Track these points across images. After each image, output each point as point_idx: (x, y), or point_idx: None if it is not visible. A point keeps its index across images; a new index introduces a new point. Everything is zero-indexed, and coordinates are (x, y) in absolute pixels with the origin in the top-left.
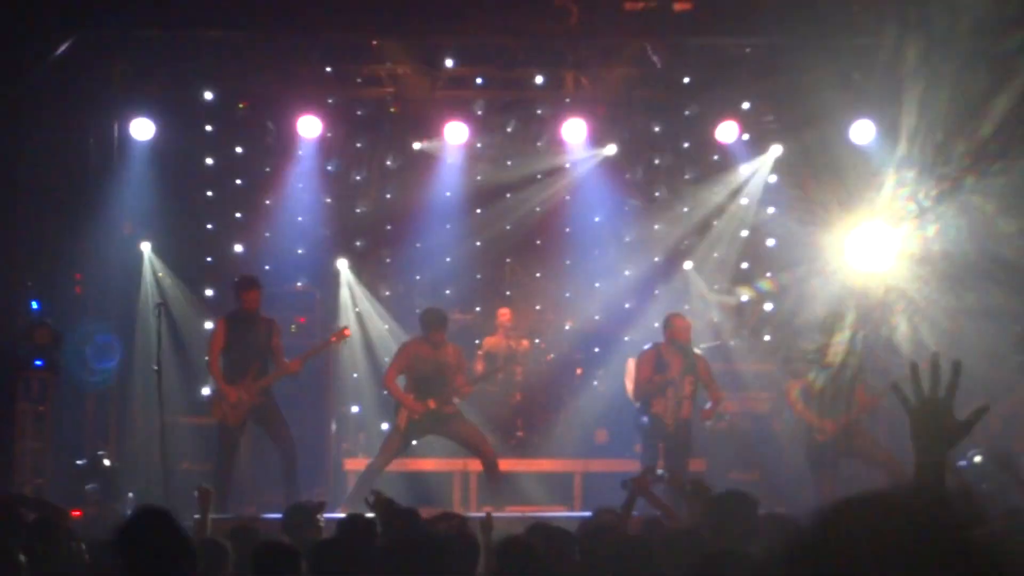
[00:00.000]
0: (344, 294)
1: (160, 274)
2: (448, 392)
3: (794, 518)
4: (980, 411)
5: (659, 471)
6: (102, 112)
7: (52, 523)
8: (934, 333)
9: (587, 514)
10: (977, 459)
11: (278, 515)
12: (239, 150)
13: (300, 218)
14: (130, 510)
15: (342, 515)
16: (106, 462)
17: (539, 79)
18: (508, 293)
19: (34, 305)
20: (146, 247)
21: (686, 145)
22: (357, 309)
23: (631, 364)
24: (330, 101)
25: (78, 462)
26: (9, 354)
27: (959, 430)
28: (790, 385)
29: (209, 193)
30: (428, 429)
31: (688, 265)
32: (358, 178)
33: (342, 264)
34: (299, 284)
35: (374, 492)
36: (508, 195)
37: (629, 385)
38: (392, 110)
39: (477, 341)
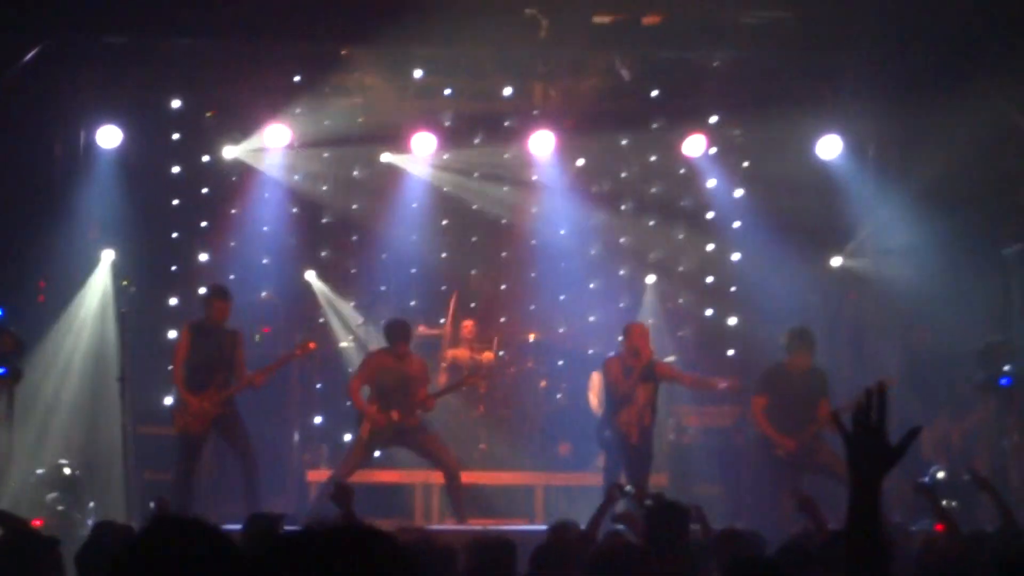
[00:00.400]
0: (324, 306)
1: (125, 282)
2: (412, 404)
3: (751, 534)
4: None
5: (626, 487)
6: (69, 119)
7: (25, 535)
8: (896, 351)
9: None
10: (940, 475)
11: (238, 526)
12: (206, 159)
13: (266, 228)
14: (91, 520)
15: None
16: (66, 471)
17: (507, 91)
18: (473, 305)
19: None
20: (108, 255)
21: (653, 158)
22: (322, 320)
23: (595, 377)
24: (298, 110)
25: (38, 471)
26: None
27: (893, 454)
28: (754, 400)
29: (175, 201)
30: (391, 440)
31: (651, 279)
32: (325, 188)
33: (310, 276)
34: (264, 294)
35: (336, 482)
36: (475, 207)
37: (593, 398)
38: (360, 120)
39: (440, 353)
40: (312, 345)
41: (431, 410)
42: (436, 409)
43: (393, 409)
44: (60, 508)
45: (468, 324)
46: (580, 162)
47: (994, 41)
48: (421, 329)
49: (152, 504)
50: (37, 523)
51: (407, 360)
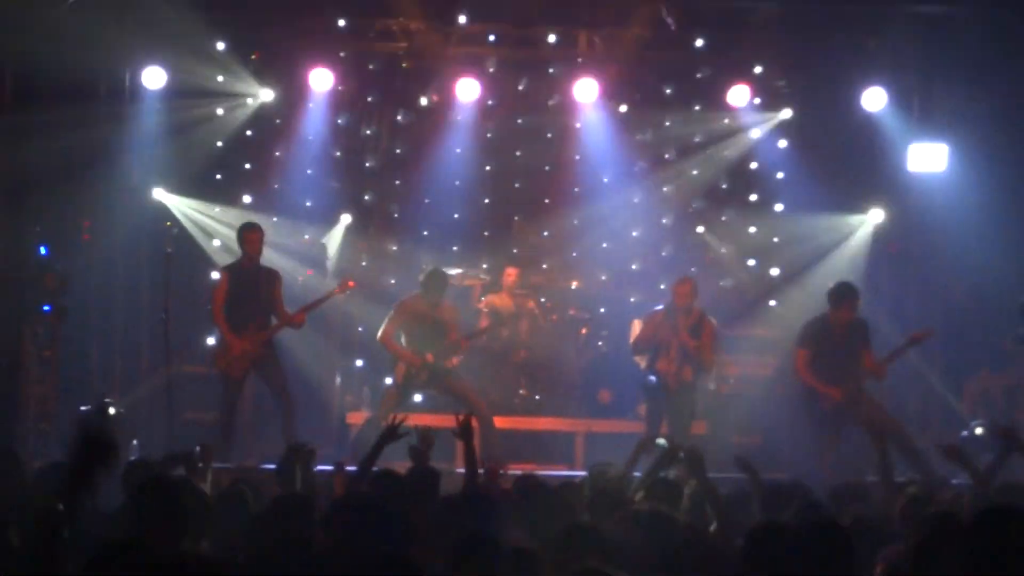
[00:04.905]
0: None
1: (168, 223)
2: (445, 347)
3: (796, 484)
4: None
5: (659, 440)
6: (114, 59)
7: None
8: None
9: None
10: (979, 431)
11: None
12: (251, 101)
13: (309, 171)
14: (133, 457)
15: (350, 468)
16: (111, 410)
17: (552, 38)
18: (515, 251)
19: (42, 251)
20: (160, 194)
21: (697, 108)
22: (364, 264)
23: (636, 325)
24: (342, 54)
25: (82, 408)
26: (17, 299)
27: None
28: (798, 353)
29: (219, 143)
30: (426, 384)
31: (700, 229)
32: (368, 132)
33: (345, 218)
34: (306, 237)
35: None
36: (518, 153)
37: None
38: (404, 65)
39: (482, 298)
40: (352, 284)
41: (466, 351)
42: (478, 355)
43: (427, 352)
44: None
45: (511, 272)
46: (623, 108)
47: None
48: (461, 276)
49: (197, 448)
50: None
51: (440, 307)
